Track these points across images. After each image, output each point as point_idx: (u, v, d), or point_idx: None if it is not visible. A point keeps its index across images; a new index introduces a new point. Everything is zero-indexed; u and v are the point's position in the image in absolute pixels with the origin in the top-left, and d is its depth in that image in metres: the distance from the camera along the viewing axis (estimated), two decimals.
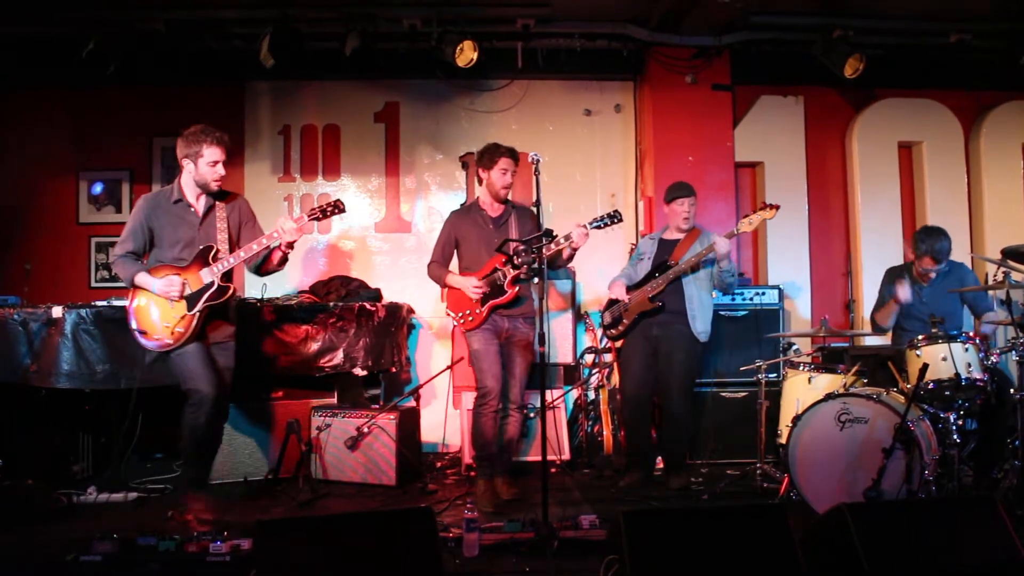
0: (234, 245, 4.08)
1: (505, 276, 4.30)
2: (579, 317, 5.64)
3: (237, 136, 6.09)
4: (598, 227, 4.21)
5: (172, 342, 3.91)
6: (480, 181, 4.54)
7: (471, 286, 4.33)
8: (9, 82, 5.92)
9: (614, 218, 4.22)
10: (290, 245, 3.99)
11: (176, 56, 5.71)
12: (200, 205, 4.07)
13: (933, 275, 4.70)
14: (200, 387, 3.91)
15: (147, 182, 6.13)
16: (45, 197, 6.12)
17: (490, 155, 4.45)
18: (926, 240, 4.65)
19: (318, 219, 4.03)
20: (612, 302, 4.88)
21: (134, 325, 3.97)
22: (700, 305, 4.65)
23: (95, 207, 6.15)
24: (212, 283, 3.93)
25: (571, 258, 4.41)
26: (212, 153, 3.95)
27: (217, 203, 4.11)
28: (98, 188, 6.14)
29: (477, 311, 4.35)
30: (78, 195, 6.13)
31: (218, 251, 3.98)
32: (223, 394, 4.00)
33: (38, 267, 5.82)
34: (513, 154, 4.44)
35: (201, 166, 3.97)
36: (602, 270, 4.95)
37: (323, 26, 5.50)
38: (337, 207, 4.01)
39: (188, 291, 3.92)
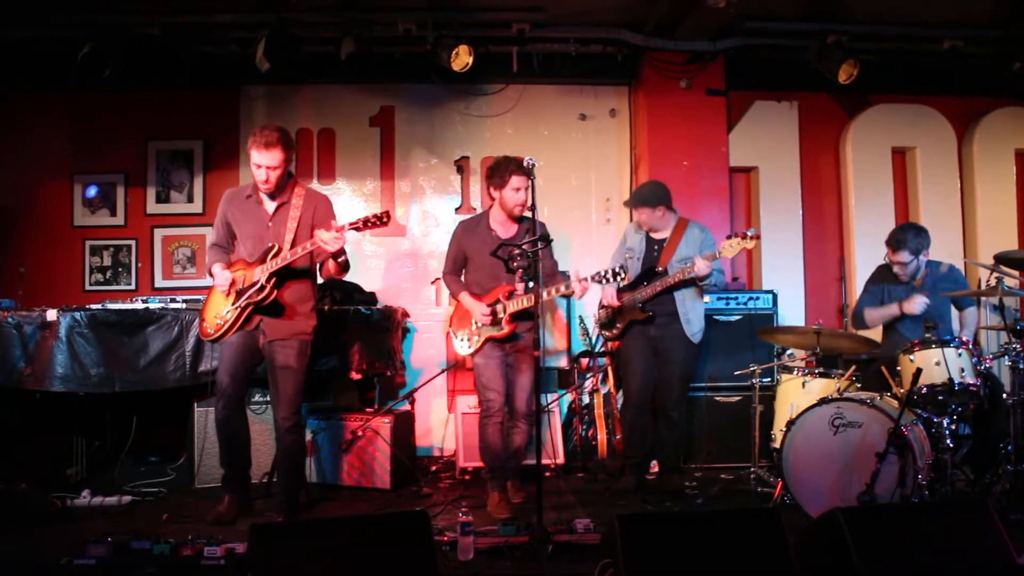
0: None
1: (504, 310, 4.24)
2: (584, 335, 5.63)
3: (232, 140, 6.09)
4: (599, 282, 4.12)
5: (212, 332, 4.02)
6: (492, 198, 4.41)
7: (480, 313, 4.27)
8: (4, 85, 5.89)
9: (617, 275, 4.08)
10: (339, 253, 3.84)
11: (172, 60, 5.70)
12: (270, 202, 4.03)
13: (898, 269, 4.69)
14: (221, 376, 4.05)
15: (142, 185, 6.11)
16: (40, 200, 6.09)
17: (501, 174, 4.28)
18: (895, 232, 4.70)
19: (359, 230, 3.75)
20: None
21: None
22: (692, 307, 4.63)
23: (90, 210, 6.13)
24: (257, 281, 3.90)
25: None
26: (253, 155, 3.89)
27: (292, 201, 4.02)
28: (92, 191, 6.11)
29: (475, 339, 4.32)
30: (73, 198, 6.11)
31: (279, 250, 3.94)
32: (243, 391, 4.13)
33: (32, 270, 5.81)
34: (526, 169, 4.07)
35: (251, 165, 3.94)
36: None
37: (319, 30, 5.49)
38: (381, 219, 3.73)
39: (240, 286, 3.96)
